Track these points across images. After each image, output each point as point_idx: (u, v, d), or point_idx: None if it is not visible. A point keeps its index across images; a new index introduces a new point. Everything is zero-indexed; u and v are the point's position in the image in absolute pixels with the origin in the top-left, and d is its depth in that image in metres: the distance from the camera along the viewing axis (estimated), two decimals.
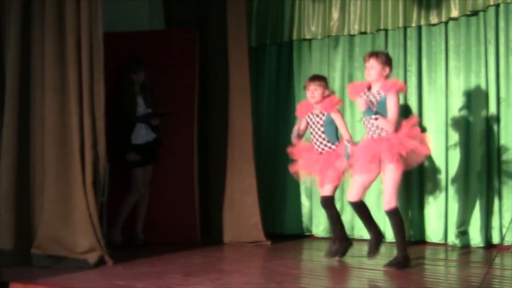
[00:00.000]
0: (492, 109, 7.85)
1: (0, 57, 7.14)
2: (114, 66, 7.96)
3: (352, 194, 6.69)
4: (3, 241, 6.72)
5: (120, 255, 6.91)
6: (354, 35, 8.90)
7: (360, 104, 6.48)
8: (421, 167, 8.04)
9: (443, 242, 8.12)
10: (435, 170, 8.20)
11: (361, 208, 6.74)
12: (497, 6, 7.83)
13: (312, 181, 7.37)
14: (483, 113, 7.91)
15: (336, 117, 7.05)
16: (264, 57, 9.54)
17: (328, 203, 7.08)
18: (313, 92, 7.08)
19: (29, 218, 6.84)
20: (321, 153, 7.08)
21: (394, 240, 6.70)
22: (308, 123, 7.21)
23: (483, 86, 7.93)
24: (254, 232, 8.35)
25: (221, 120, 8.59)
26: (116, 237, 8.09)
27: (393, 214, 6.44)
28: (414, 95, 8.37)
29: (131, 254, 7.27)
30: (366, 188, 6.72)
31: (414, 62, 8.41)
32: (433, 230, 8.21)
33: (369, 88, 6.60)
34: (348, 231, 8.58)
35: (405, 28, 8.47)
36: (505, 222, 7.62)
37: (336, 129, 7.09)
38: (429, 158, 8.05)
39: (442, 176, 8.15)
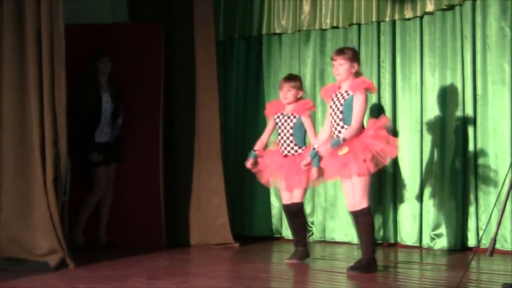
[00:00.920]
0: (469, 107, 7.75)
1: None
2: (77, 60, 7.91)
3: (351, 203, 6.48)
4: None
5: (82, 258, 6.87)
6: (325, 30, 8.80)
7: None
8: (395, 167, 8.07)
9: (417, 244, 8.02)
10: (409, 170, 8.09)
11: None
12: (474, 0, 7.75)
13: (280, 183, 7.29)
14: (459, 111, 7.81)
15: (306, 122, 7.04)
16: (232, 52, 9.44)
17: (299, 209, 7.04)
18: (286, 92, 7.07)
19: None
20: (286, 156, 7.03)
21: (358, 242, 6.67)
22: (276, 123, 7.15)
23: (459, 83, 7.83)
24: (222, 233, 8.26)
25: (188, 117, 8.50)
26: (78, 238, 8.00)
27: (363, 214, 6.33)
28: (388, 92, 8.28)
29: (94, 257, 7.22)
30: None
31: (388, 58, 8.30)
32: (407, 233, 8.10)
33: (340, 88, 6.55)
34: (319, 234, 8.49)
35: (378, 23, 8.38)
36: (482, 224, 7.55)
37: (305, 133, 7.08)
38: (403, 158, 8.04)
39: (416, 176, 8.04)
